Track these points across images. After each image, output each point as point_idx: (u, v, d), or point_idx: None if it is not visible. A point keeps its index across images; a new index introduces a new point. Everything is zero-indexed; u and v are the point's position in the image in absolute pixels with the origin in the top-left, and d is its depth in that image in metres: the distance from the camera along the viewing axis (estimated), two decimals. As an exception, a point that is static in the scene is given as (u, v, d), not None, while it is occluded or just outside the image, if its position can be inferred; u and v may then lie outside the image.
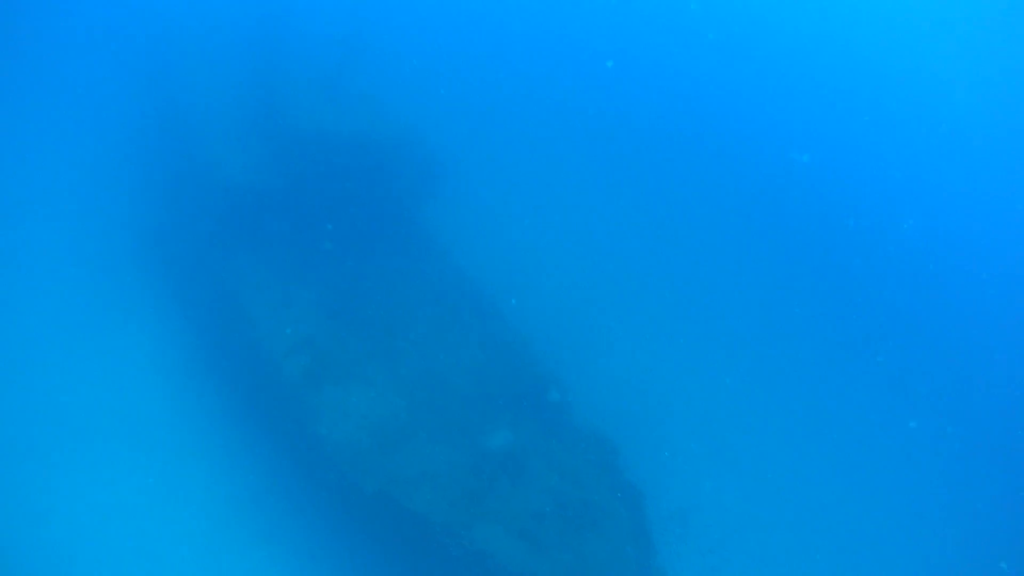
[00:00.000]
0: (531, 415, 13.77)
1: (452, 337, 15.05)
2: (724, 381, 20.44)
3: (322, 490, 13.10)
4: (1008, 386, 23.18)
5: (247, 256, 15.66)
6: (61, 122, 20.10)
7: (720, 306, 22.70)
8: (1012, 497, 20.07)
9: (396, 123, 17.00)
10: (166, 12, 20.55)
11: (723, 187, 26.53)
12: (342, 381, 13.57)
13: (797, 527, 17.78)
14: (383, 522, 12.15)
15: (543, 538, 11.37)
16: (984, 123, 32.84)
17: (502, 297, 16.45)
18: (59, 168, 19.16)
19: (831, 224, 27.11)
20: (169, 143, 18.19)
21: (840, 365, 22.74)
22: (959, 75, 33.99)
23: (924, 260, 27.33)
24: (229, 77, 18.74)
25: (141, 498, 13.72)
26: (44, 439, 14.13)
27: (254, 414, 14.58)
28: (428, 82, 23.92)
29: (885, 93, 32.70)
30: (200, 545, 13.39)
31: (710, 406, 19.45)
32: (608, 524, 11.97)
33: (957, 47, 34.29)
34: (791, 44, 32.73)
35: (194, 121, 17.39)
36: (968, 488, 20.14)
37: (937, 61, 34.23)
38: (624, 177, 25.51)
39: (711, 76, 30.30)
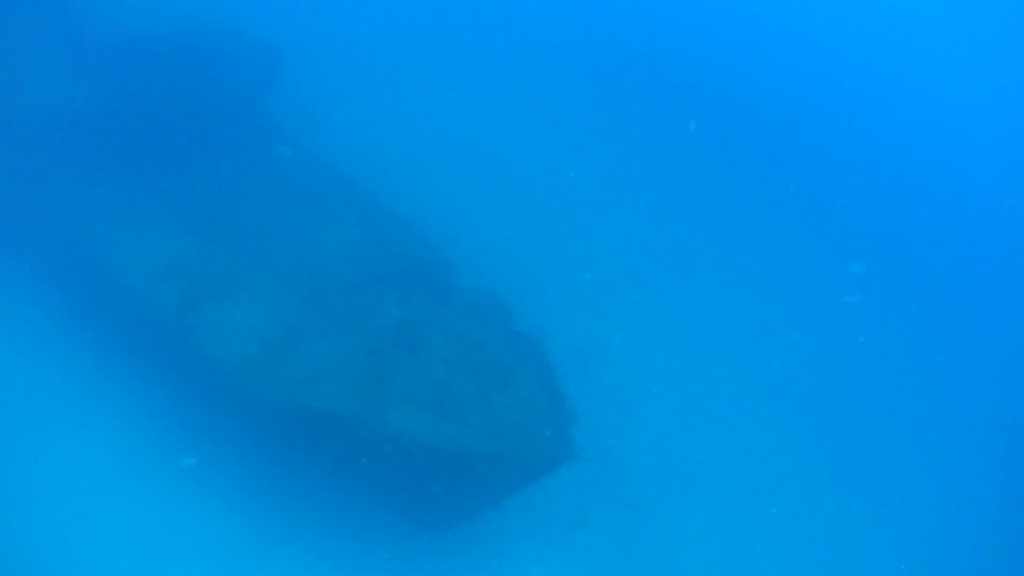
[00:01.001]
0: (419, 289, 13.74)
1: (326, 228, 14.67)
2: (607, 223, 20.77)
3: (224, 411, 12.98)
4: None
5: (83, 190, 14.60)
6: None
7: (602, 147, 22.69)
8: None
9: (224, 11, 15.87)
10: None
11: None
12: (220, 298, 13.13)
13: (696, 357, 18.74)
14: (293, 429, 12.19)
15: (453, 406, 11.63)
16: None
17: (370, 178, 16.00)
18: None
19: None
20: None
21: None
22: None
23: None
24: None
25: (38, 440, 13.41)
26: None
27: (137, 354, 14.09)
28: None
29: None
30: (111, 491, 13.26)
31: (596, 246, 19.83)
32: (514, 380, 12.30)
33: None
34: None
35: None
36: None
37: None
38: (475, 38, 24.43)
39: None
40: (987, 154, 28.63)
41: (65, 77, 14.96)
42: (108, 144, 14.86)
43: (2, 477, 13.17)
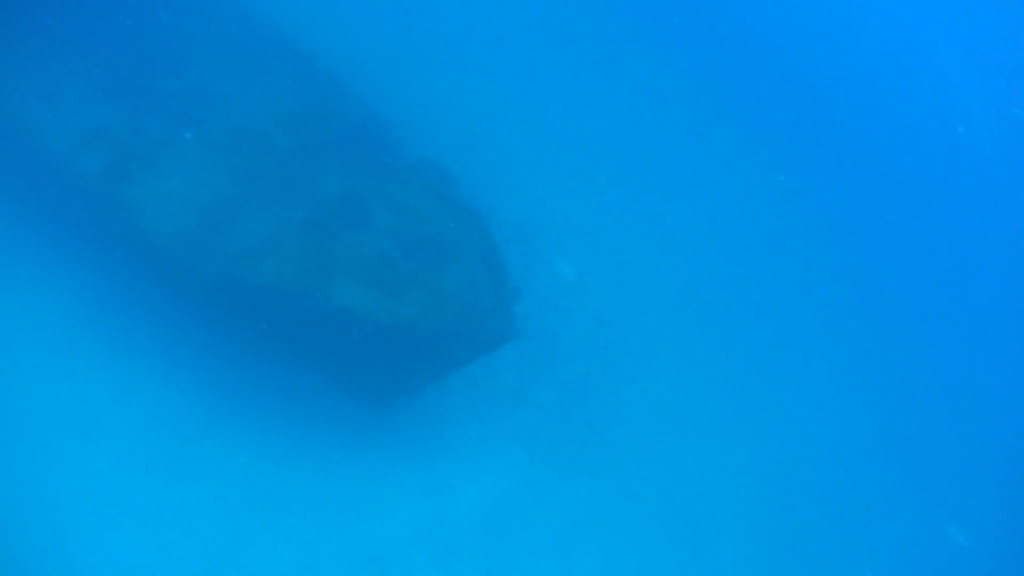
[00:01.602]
0: (360, 158, 13.30)
1: (261, 91, 13.97)
2: (553, 89, 20.24)
3: (161, 285, 12.57)
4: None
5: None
6: None
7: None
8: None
9: None
10: None
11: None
12: (152, 165, 12.50)
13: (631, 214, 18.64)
14: (232, 303, 11.89)
15: (396, 281, 11.43)
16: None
17: (307, 39, 15.15)
18: None
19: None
20: None
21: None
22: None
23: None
24: None
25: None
26: None
27: (66, 225, 13.46)
28: None
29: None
30: (50, 369, 12.92)
31: (543, 115, 19.38)
32: (456, 254, 12.12)
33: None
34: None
35: None
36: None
37: None
38: None
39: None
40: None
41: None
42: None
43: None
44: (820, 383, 18.22)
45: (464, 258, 12.09)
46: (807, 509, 16.24)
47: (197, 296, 12.28)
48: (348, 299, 11.06)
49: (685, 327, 17.55)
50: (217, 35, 14.67)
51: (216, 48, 14.44)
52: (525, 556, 13.64)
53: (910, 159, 25.10)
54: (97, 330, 13.39)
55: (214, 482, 12.83)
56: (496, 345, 12.12)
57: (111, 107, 13.09)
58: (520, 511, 13.94)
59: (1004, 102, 29.86)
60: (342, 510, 13.14)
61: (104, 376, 13.16)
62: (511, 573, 13.43)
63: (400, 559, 12.97)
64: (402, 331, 11.27)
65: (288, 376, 13.59)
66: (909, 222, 23.43)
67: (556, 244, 17.07)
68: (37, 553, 11.56)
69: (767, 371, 17.78)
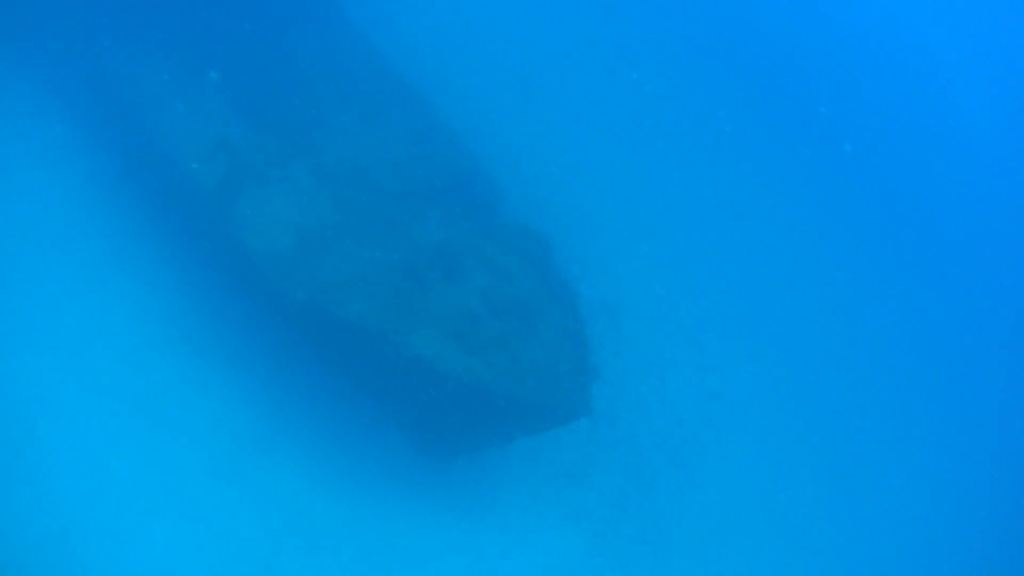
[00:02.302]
0: (462, 211, 13.34)
1: (378, 129, 14.22)
2: (658, 174, 20.12)
3: (250, 301, 12.72)
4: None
5: (141, 53, 14.19)
6: None
7: (658, 102, 21.88)
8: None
9: None
10: None
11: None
12: (263, 184, 12.78)
13: (725, 315, 18.28)
14: (315, 331, 11.96)
15: (479, 340, 11.33)
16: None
17: (429, 86, 15.43)
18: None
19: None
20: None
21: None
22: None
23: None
24: None
25: (57, 318, 13.25)
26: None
27: (172, 228, 13.84)
28: None
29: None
30: (127, 365, 13.16)
31: (642, 199, 19.27)
32: (542, 323, 11.98)
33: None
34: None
35: None
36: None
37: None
38: None
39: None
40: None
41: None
42: (172, 10, 14.43)
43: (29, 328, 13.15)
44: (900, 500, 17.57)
45: (549, 328, 11.94)
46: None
47: (281, 317, 12.39)
48: (429, 349, 10.98)
49: (767, 440, 17.06)
50: (344, 70, 15.05)
51: (341, 82, 14.79)
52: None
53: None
54: (180, 330, 13.69)
55: (262, 500, 12.84)
56: (567, 421, 11.85)
57: (238, 123, 13.51)
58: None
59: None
60: (382, 553, 12.96)
61: (178, 376, 13.40)
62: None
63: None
64: (476, 390, 11.12)
65: (354, 411, 13.59)
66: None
67: (644, 329, 16.81)
68: (79, 547, 11.69)
69: (841, 487, 17.10)
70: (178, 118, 13.38)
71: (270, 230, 12.22)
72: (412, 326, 11.16)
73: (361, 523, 13.10)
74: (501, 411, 11.48)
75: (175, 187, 13.14)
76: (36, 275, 13.61)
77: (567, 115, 19.82)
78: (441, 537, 13.28)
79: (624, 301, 16.91)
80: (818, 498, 16.78)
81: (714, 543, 15.14)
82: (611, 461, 14.94)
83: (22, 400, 12.44)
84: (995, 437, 20.08)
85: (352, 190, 12.99)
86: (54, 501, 11.88)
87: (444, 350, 11.05)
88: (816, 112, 23.95)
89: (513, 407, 11.35)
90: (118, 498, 12.19)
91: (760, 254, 20.03)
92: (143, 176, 14.08)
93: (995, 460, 19.61)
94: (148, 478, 12.50)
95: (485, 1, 20.98)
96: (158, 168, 13.30)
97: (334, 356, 12.30)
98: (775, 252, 20.38)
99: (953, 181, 25.49)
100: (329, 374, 13.00)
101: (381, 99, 14.74)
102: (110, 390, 12.98)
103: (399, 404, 12.55)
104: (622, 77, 21.62)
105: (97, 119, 14.97)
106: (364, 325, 11.16)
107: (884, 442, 18.39)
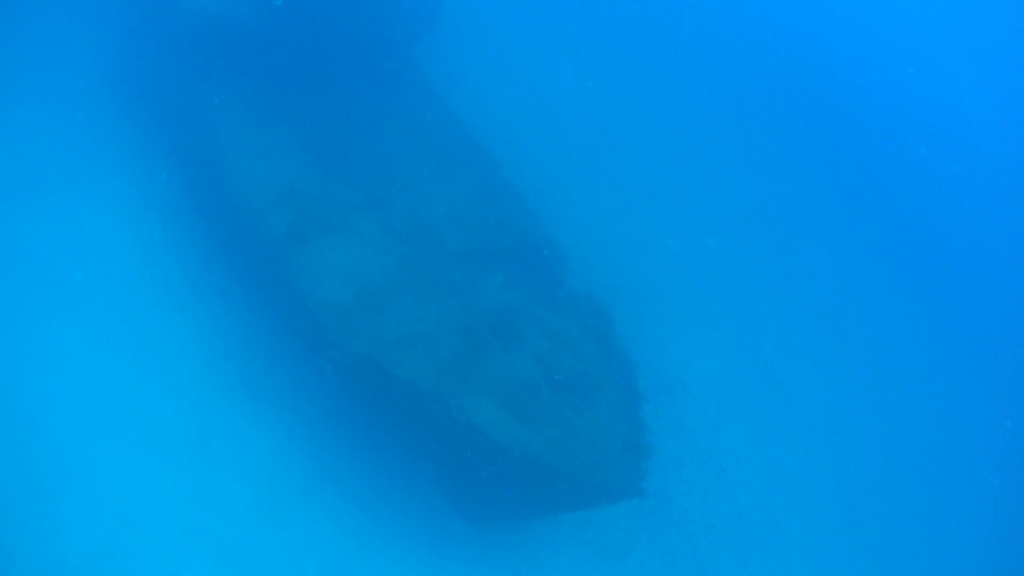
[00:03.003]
0: (524, 276, 13.24)
1: (445, 187, 14.24)
2: (724, 250, 19.89)
3: (305, 350, 12.71)
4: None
5: (225, 95, 14.47)
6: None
7: (727, 175, 21.81)
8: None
9: None
10: None
11: (733, 48, 24.99)
12: (328, 233, 12.81)
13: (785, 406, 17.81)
14: (367, 386, 11.84)
15: (533, 410, 11.08)
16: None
17: (498, 147, 15.47)
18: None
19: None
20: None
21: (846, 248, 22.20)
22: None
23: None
24: None
25: (114, 348, 13.36)
26: (10, 291, 13.64)
27: (234, 268, 13.99)
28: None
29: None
30: (177, 400, 13.20)
31: (708, 276, 19.01)
32: (598, 397, 11.71)
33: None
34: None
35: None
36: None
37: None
38: (632, 29, 23.86)
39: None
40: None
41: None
42: (262, 53, 14.75)
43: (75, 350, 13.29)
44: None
45: (605, 402, 11.67)
46: None
47: (335, 368, 12.27)
48: (481, 416, 10.76)
49: (824, 534, 16.41)
50: (418, 126, 15.20)
51: (414, 138, 14.93)
52: None
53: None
54: (235, 368, 13.74)
55: (298, 547, 12.66)
56: (616, 499, 11.52)
57: (308, 170, 13.63)
58: None
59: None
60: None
61: (228, 414, 13.41)
62: None
63: None
64: (525, 460, 10.86)
65: (400, 468, 13.42)
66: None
67: (702, 410, 16.44)
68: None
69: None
70: (251, 161, 13.57)
71: (331, 280, 12.21)
72: (465, 390, 10.98)
73: None
74: (549, 484, 11.20)
75: (243, 228, 13.29)
76: (99, 303, 13.82)
77: (636, 189, 19.82)
78: (474, 604, 12.97)
79: (683, 379, 16.58)
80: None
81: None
82: (658, 543, 14.47)
83: (73, 427, 12.52)
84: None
85: (416, 246, 12.97)
86: (93, 529, 11.85)
87: (496, 418, 10.83)
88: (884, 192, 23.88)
89: (561, 480, 11.06)
90: (156, 530, 12.14)
91: (826, 343, 19.59)
92: (212, 214, 14.32)
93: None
94: (187, 513, 12.44)
95: (563, 69, 21.24)
96: (228, 208, 13.48)
97: (384, 412, 12.16)
98: (842, 341, 19.91)
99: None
100: (378, 429, 12.88)
101: (452, 157, 14.82)
102: (159, 421, 13.04)
103: (446, 466, 12.33)
104: (694, 158, 21.63)
105: (175, 155, 15.34)
106: (417, 385, 11.02)
107: (963, 546, 17.65)
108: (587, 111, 20.87)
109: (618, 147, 20.39)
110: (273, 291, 12.91)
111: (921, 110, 27.29)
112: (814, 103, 25.46)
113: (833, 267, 21.62)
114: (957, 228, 24.67)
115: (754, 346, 18.46)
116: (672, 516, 14.80)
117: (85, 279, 13.98)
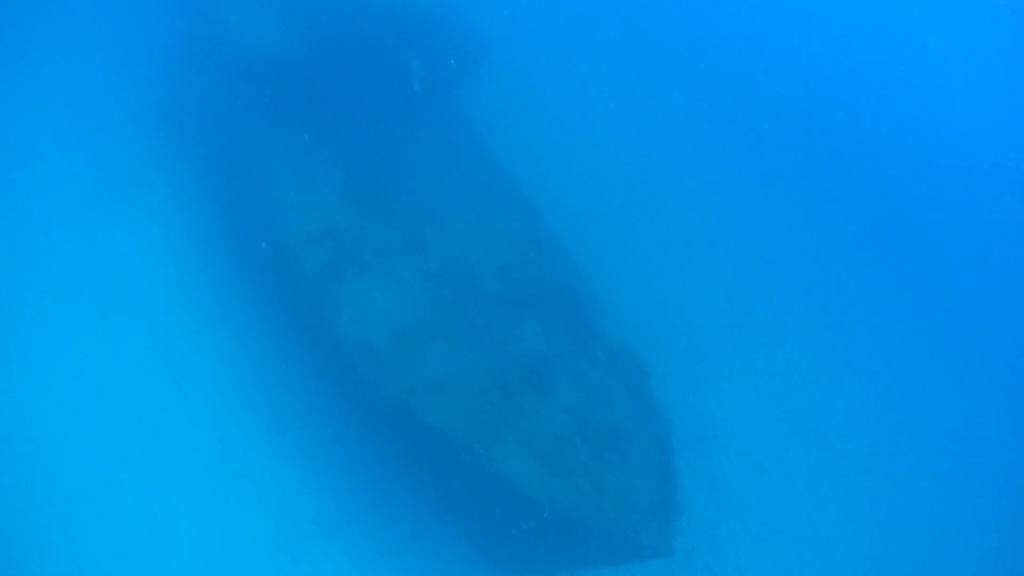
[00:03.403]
0: (560, 324, 13.10)
1: (483, 231, 14.22)
2: (764, 305, 19.69)
3: (336, 390, 12.64)
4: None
5: (267, 131, 14.62)
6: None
7: (763, 229, 21.71)
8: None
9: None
10: None
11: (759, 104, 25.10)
12: (365, 273, 12.82)
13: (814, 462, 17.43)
14: (397, 429, 11.69)
15: (563, 462, 10.89)
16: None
17: (538, 193, 15.43)
18: (67, 21, 17.99)
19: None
20: (188, 4, 16.91)
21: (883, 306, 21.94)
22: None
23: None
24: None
25: (146, 379, 13.40)
26: (45, 304, 13.76)
27: (269, 304, 14.02)
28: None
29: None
30: (207, 433, 13.18)
31: (744, 331, 18.77)
32: (630, 450, 11.49)
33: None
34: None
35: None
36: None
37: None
38: (676, 80, 24.01)
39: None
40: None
41: (284, 25, 15.12)
42: (305, 90, 14.91)
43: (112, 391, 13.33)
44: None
45: (637, 456, 11.43)
46: None
47: (365, 409, 12.19)
48: (511, 466, 10.58)
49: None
50: (459, 169, 15.24)
51: (454, 181, 14.95)
52: None
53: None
54: (264, 403, 13.69)
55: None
56: (644, 558, 11.22)
57: (347, 209, 13.68)
58: None
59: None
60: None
61: (254, 449, 13.35)
62: None
63: None
64: (554, 512, 10.64)
65: (425, 513, 13.18)
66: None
67: (734, 465, 16.09)
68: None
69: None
70: (291, 197, 13.65)
71: (365, 320, 12.17)
72: (496, 439, 10.82)
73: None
74: (577, 538, 10.97)
75: (280, 263, 13.32)
76: (133, 330, 13.94)
77: (676, 240, 19.73)
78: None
79: (718, 435, 16.28)
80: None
81: None
82: (683, 601, 14.11)
83: (99, 456, 12.58)
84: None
85: (452, 290, 12.92)
86: (116, 562, 11.87)
87: (526, 468, 10.65)
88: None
89: (589, 535, 10.82)
90: (177, 564, 12.15)
91: (868, 402, 19.23)
92: (250, 247, 14.36)
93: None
94: (208, 547, 12.43)
95: (606, 116, 21.33)
96: (266, 242, 13.54)
97: (413, 456, 11.99)
98: (884, 401, 19.51)
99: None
100: (405, 473, 12.70)
101: (491, 201, 14.81)
102: (185, 452, 13.05)
103: (472, 515, 12.11)
104: (735, 212, 21.62)
105: (217, 185, 15.51)
106: (447, 431, 10.88)
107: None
108: (630, 160, 20.85)
109: (659, 197, 20.35)
110: (307, 328, 12.90)
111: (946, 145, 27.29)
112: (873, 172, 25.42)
113: (876, 326, 21.22)
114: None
115: (792, 403, 18.09)
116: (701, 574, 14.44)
117: (122, 306, 14.08)
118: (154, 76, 17.36)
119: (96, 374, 13.23)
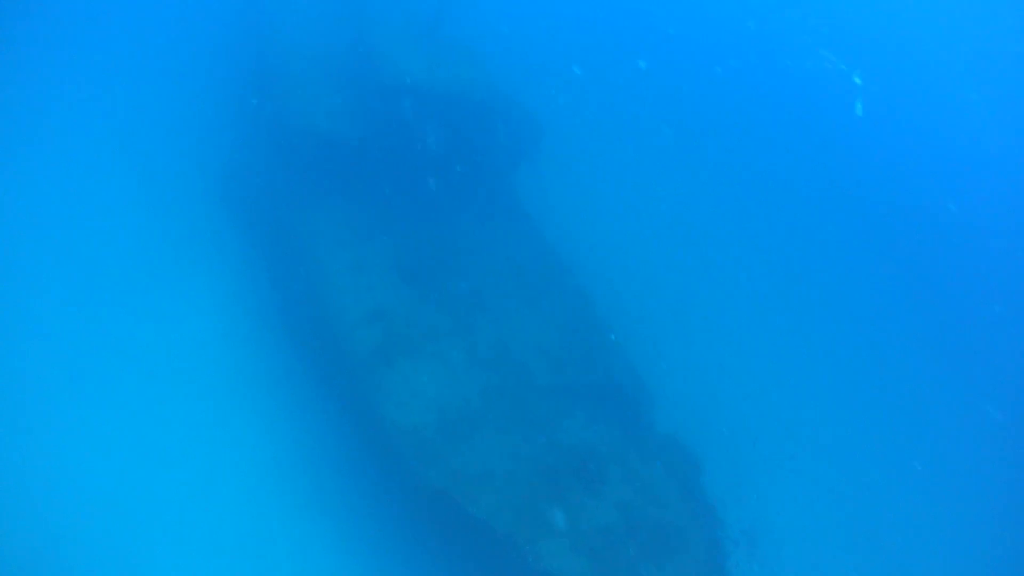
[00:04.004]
0: (609, 415, 12.86)
1: (534, 318, 14.12)
2: (821, 404, 19.24)
3: (380, 474, 12.46)
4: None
5: (322, 211, 14.86)
6: (142, 53, 19.61)
7: (820, 323, 21.42)
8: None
9: (492, 79, 15.83)
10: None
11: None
12: (414, 356, 12.75)
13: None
14: (440, 521, 11.45)
15: (612, 560, 10.52)
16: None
17: (591, 281, 15.37)
18: (136, 99, 18.71)
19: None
20: (250, 85, 17.50)
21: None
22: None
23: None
24: (319, 22, 17.94)
25: (193, 459, 13.40)
26: (99, 380, 13.87)
27: (317, 383, 13.98)
28: (532, 39, 22.66)
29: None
30: (249, 511, 13.05)
31: (802, 425, 18.29)
32: (681, 548, 11.07)
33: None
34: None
35: (278, 64, 16.57)
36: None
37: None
38: (726, 169, 24.19)
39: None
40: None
41: (344, 111, 15.53)
42: (361, 173, 15.21)
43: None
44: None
45: (688, 555, 11.01)
46: None
47: (408, 496, 11.96)
48: (557, 564, 10.24)
49: None
50: (511, 256, 15.25)
51: (506, 265, 14.95)
52: None
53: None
54: (305, 481, 13.51)
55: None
56: (692, 664, 10.74)
57: (398, 291, 13.71)
58: None
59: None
60: None
61: (292, 528, 13.11)
62: None
63: None
64: (600, 614, 10.27)
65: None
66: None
67: (787, 564, 15.44)
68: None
69: None
70: (343, 278, 13.74)
71: (413, 404, 12.07)
72: (543, 535, 10.53)
73: None
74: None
75: (329, 343, 13.33)
76: (180, 401, 13.97)
77: (728, 332, 19.45)
78: None
79: (770, 532, 15.66)
80: None
81: None
82: None
83: (139, 523, 12.48)
84: None
85: (501, 377, 12.79)
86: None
87: (573, 566, 10.30)
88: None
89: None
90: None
91: (927, 498, 18.47)
92: (300, 325, 14.46)
93: None
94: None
95: (660, 205, 21.39)
96: (317, 321, 13.61)
97: (455, 548, 11.69)
98: (940, 493, 18.74)
99: None
100: (447, 565, 12.37)
101: (543, 288, 14.77)
102: (225, 526, 12.87)
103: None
104: (789, 302, 21.36)
105: (269, 263, 15.74)
106: (492, 524, 10.61)
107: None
108: (685, 249, 20.78)
109: (714, 288, 20.17)
110: (354, 409, 12.80)
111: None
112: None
113: (934, 423, 20.55)
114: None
115: (853, 503, 17.42)
116: None
117: (171, 378, 14.18)
118: (216, 151, 17.86)
119: (143, 445, 13.24)
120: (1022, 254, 25.57)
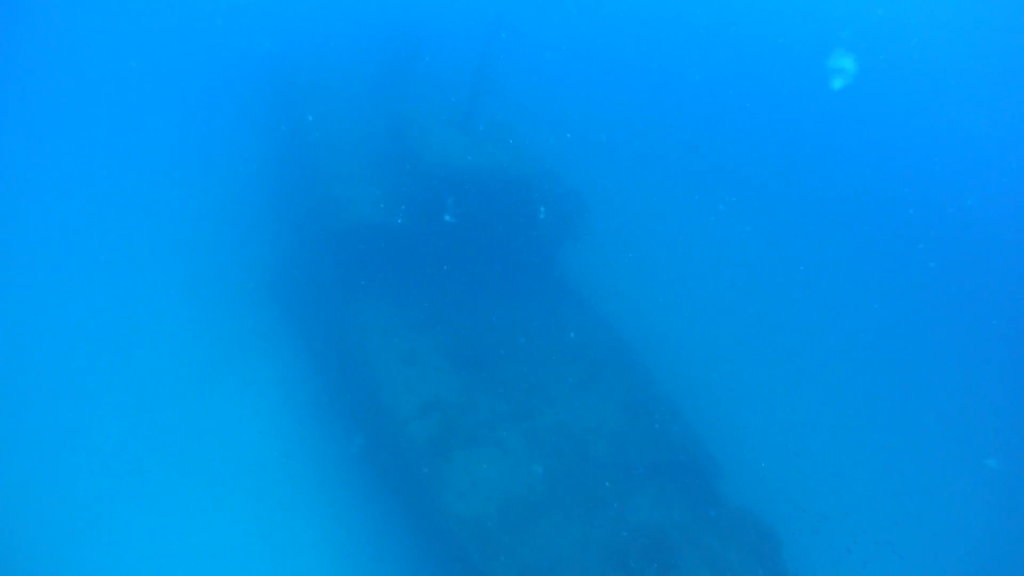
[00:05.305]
0: (678, 493, 12.28)
1: (593, 398, 13.74)
2: (899, 475, 18.33)
3: (443, 571, 11.98)
4: None
5: (373, 302, 14.84)
6: (192, 156, 20.19)
7: (887, 386, 20.67)
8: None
9: (533, 161, 15.85)
10: (294, 45, 20.37)
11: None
12: (472, 445, 12.40)
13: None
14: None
15: (692, 650, 9.90)
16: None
17: (649, 356, 14.97)
18: (184, 201, 19.19)
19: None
20: (295, 179, 17.83)
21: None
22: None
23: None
24: (359, 112, 18.34)
25: (248, 553, 13.10)
26: (157, 475, 13.84)
27: (375, 481, 13.70)
28: (569, 119, 22.89)
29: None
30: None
31: (881, 495, 17.41)
32: (766, 634, 10.39)
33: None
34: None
35: (322, 157, 16.88)
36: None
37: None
38: (777, 230, 23.95)
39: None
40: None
41: (389, 200, 15.65)
42: (410, 262, 15.19)
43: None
44: None
45: (773, 641, 10.29)
46: None
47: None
48: (634, 656, 9.63)
49: None
50: (566, 336, 14.99)
51: (560, 346, 14.68)
52: None
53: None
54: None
55: None
56: None
57: (452, 380, 13.47)
58: None
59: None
60: None
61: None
62: None
63: None
64: None
65: None
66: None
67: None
68: None
69: None
70: (396, 369, 13.54)
71: (474, 495, 11.65)
72: (618, 625, 9.94)
73: None
74: None
75: (385, 436, 13.06)
76: (236, 500, 13.77)
77: (795, 399, 18.79)
78: None
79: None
80: None
81: None
82: None
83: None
84: None
85: (563, 460, 12.34)
86: None
87: (654, 657, 9.67)
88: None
89: None
90: None
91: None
92: (354, 419, 14.25)
93: None
94: None
95: (708, 276, 21.09)
96: (370, 415, 13.38)
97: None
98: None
99: None
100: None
101: (600, 366, 14.42)
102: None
103: None
104: (849, 370, 20.74)
105: (321, 358, 15.66)
106: None
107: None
108: (742, 319, 20.34)
109: (777, 357, 19.61)
110: (413, 504, 12.42)
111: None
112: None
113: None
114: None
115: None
116: None
117: (226, 476, 14.03)
118: (262, 247, 18.10)
119: (206, 551, 13.00)
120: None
